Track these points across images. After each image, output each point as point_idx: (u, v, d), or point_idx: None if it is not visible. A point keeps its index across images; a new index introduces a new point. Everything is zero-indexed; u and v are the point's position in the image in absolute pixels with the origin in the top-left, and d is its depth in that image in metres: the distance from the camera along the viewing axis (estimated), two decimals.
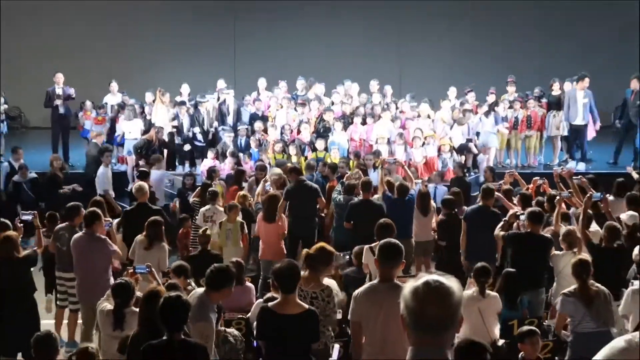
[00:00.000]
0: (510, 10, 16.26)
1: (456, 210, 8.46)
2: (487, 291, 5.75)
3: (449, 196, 8.83)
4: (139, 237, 7.08)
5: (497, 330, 5.68)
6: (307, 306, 4.46)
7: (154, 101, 12.63)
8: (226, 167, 11.44)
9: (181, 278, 6.07)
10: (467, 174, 11.51)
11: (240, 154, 12.00)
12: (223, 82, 13.31)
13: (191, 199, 9.87)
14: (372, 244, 6.41)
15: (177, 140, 12.43)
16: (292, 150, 11.63)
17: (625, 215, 7.35)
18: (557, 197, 7.44)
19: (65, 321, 7.25)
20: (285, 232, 8.29)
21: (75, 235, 6.81)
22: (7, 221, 6.88)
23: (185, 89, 13.34)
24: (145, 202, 8.24)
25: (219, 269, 4.74)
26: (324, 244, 5.44)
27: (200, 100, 12.71)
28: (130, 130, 12.35)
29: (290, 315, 4.32)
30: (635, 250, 5.84)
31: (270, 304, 4.48)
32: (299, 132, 12.32)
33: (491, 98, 12.90)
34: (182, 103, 12.74)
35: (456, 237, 7.99)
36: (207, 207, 8.92)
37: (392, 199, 8.49)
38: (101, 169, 10.69)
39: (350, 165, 10.94)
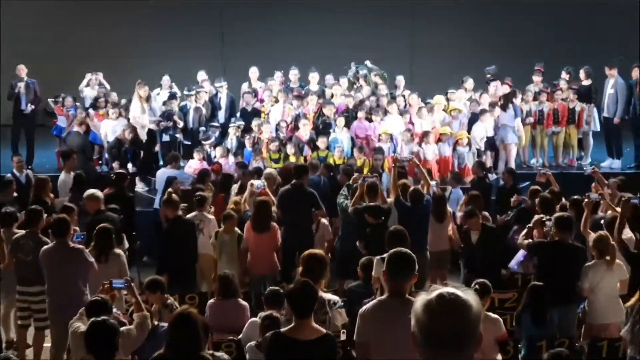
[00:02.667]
0: None
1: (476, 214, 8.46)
2: (486, 313, 5.67)
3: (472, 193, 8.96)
4: (88, 249, 6.98)
5: (497, 357, 5.68)
6: (324, 330, 4.46)
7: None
8: (232, 169, 11.46)
9: (157, 294, 6.00)
10: (488, 175, 11.61)
11: (231, 156, 12.04)
12: (204, 74, 13.37)
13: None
14: (384, 255, 6.36)
15: (167, 137, 12.41)
16: (289, 149, 11.68)
17: None
18: (586, 200, 7.37)
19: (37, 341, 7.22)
20: (279, 243, 8.27)
21: (46, 247, 6.78)
22: None
23: (165, 81, 13.36)
24: (102, 210, 8.21)
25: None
26: (313, 251, 5.52)
27: (187, 94, 12.75)
28: (116, 130, 12.40)
29: (305, 341, 4.31)
30: None
31: (283, 329, 4.49)
32: (295, 128, 12.36)
33: (504, 89, 12.84)
34: (173, 96, 12.78)
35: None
36: (194, 214, 8.84)
37: (406, 206, 8.47)
38: (62, 175, 10.42)
39: (360, 165, 11.04)
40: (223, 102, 13.13)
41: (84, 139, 12.02)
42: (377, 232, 7.70)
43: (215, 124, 12.70)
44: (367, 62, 13.70)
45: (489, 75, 13.32)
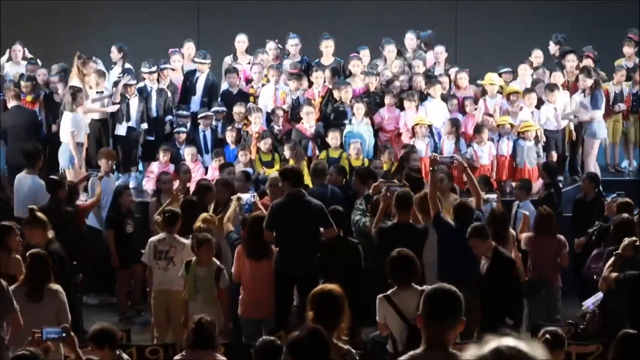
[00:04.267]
0: None
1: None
2: None
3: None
4: (17, 284, 7.06)
5: None
6: None
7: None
8: (209, 175, 11.60)
9: (105, 349, 6.06)
10: (557, 180, 11.65)
11: (206, 156, 12.07)
12: (190, 47, 13.48)
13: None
14: (389, 292, 6.45)
15: (120, 131, 12.62)
16: (287, 150, 11.75)
17: None
18: None
19: None
20: None
21: None
22: None
23: (115, 54, 13.41)
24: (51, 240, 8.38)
25: None
26: (327, 287, 5.53)
27: (147, 71, 12.85)
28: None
29: None
30: None
31: None
32: (293, 119, 12.45)
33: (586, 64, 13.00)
34: (128, 71, 12.92)
35: None
36: (161, 236, 8.95)
37: (449, 225, 8.47)
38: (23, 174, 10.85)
39: (387, 168, 11.16)
40: (200, 84, 13.16)
41: (30, 114, 12.34)
42: None
43: (185, 112, 12.80)
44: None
45: (421, 44, 13.53)
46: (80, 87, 12.19)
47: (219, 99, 13.07)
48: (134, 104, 12.64)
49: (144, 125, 12.73)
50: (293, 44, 13.45)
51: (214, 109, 12.71)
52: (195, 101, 13.11)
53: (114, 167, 12.04)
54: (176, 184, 11.19)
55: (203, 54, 13.29)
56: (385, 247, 8.21)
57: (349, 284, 7.10)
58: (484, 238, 8.13)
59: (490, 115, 12.42)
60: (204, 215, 9.22)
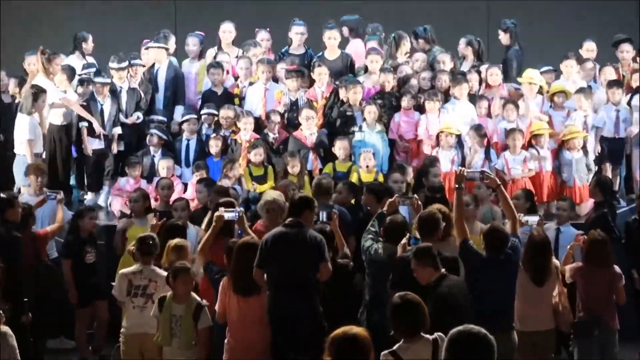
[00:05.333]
0: None
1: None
2: None
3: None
4: None
5: None
6: None
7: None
8: (189, 193, 11.70)
9: None
10: (614, 200, 11.67)
11: (184, 168, 12.26)
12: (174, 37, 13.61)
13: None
14: (395, 346, 6.36)
15: (92, 143, 12.69)
16: (286, 162, 11.80)
17: None
18: None
19: None
20: None
21: None
22: None
23: (89, 47, 13.50)
24: None
25: None
26: (350, 331, 5.45)
27: (116, 66, 12.85)
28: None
29: None
30: None
31: None
32: (289, 124, 12.49)
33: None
34: (90, 67, 13.05)
35: None
36: (135, 267, 9.00)
37: (478, 255, 8.48)
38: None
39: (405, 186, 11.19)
40: (161, 77, 13.24)
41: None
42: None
43: (159, 117, 12.92)
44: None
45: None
46: (44, 87, 12.25)
47: (183, 100, 13.18)
48: (107, 108, 12.73)
49: (117, 129, 12.78)
50: (298, 32, 13.49)
51: (205, 110, 12.73)
52: (159, 98, 13.23)
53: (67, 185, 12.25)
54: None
55: (164, 35, 13.39)
56: (403, 279, 8.17)
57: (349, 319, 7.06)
58: (425, 264, 8.01)
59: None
60: (176, 241, 9.20)
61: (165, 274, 8.73)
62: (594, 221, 10.77)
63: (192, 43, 13.70)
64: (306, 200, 9.01)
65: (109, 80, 12.78)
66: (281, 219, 9.27)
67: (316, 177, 11.29)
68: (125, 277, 8.98)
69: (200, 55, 13.76)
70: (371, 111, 12.21)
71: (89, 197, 12.76)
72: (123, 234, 10.76)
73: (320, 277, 8.68)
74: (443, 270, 7.97)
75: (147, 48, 13.48)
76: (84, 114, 12.55)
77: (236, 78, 13.30)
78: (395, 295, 6.63)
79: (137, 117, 12.97)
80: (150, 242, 9.04)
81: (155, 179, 12.03)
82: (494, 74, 13.03)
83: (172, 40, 13.53)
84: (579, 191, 12.17)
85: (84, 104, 12.63)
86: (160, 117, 12.92)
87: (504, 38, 13.78)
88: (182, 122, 12.76)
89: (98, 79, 12.77)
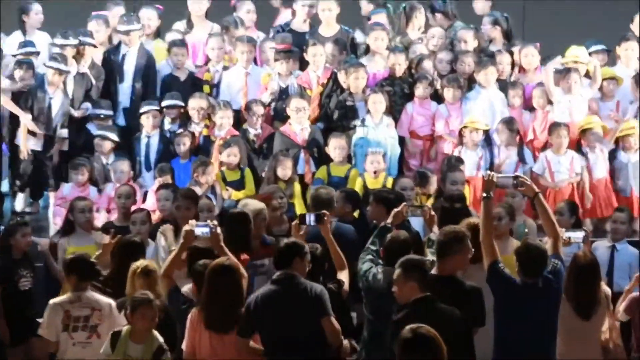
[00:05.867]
0: None
1: None
2: None
3: None
4: None
5: None
6: None
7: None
8: (149, 202, 11.75)
9: None
10: None
11: (144, 172, 12.34)
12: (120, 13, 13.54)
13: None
14: None
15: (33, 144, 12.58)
16: (262, 165, 12.18)
17: None
18: None
19: None
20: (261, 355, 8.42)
21: None
22: None
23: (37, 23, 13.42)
24: None
25: None
26: None
27: (63, 43, 12.76)
28: None
29: None
30: None
31: None
32: (276, 117, 12.62)
33: None
34: (28, 44, 13.00)
35: None
36: (72, 295, 8.84)
37: (510, 280, 8.24)
38: None
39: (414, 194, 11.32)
40: (130, 63, 13.19)
41: None
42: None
43: (104, 110, 12.85)
44: None
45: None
46: None
47: (157, 86, 13.15)
48: (57, 102, 12.74)
49: (64, 132, 12.87)
50: (306, 3, 13.63)
51: (166, 102, 12.65)
52: (124, 91, 13.21)
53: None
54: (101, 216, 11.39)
55: (129, 18, 13.32)
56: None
57: None
58: (410, 277, 7.76)
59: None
60: (144, 264, 9.06)
61: (108, 300, 8.84)
62: None
63: (148, 17, 13.72)
64: (294, 247, 8.65)
65: (68, 68, 12.70)
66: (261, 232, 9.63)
67: (313, 188, 11.27)
68: (59, 307, 8.81)
69: (157, 33, 13.90)
70: (377, 101, 12.24)
71: (21, 205, 12.85)
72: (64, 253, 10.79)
73: (329, 339, 8.34)
74: (428, 293, 7.79)
75: (127, 33, 13.41)
76: (11, 106, 12.52)
77: (206, 62, 13.43)
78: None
79: (87, 109, 13.05)
80: (89, 265, 8.96)
81: (109, 186, 12.09)
82: (530, 55, 13.03)
83: (139, 21, 13.46)
84: (637, 201, 12.20)
85: (23, 91, 12.61)
86: (105, 111, 12.91)
87: (493, 32, 13.62)
88: (141, 114, 12.70)
89: (52, 64, 12.63)
